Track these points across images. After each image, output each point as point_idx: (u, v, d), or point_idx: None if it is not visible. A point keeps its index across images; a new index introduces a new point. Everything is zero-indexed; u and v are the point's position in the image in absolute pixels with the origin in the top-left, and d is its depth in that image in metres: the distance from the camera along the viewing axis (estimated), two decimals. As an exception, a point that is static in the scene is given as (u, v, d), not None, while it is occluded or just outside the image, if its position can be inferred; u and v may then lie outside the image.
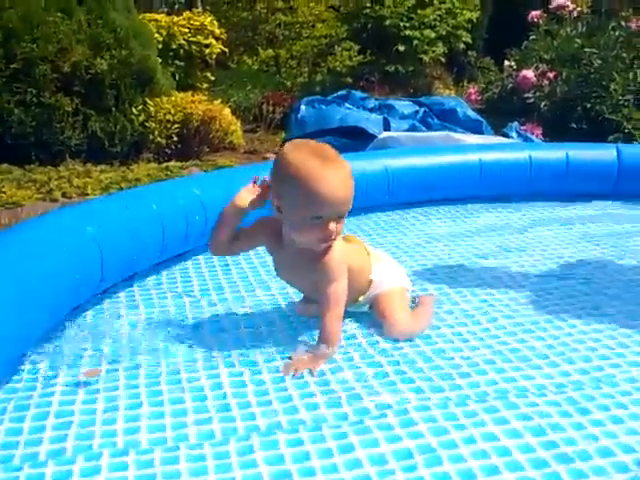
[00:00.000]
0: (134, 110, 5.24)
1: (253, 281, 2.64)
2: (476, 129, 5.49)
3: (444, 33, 9.15)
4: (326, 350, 1.96)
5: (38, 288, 2.00)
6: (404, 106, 5.70)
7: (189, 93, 5.72)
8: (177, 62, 6.84)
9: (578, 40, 6.31)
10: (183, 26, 6.94)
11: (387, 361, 1.97)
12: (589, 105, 5.82)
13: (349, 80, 8.50)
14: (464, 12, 9.36)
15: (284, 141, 5.59)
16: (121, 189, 4.18)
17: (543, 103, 6.07)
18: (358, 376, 1.88)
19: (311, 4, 9.04)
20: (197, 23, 7.01)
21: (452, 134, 5.04)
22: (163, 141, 5.30)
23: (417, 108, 5.65)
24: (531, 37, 6.76)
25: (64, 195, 4.08)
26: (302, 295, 2.29)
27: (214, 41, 7.09)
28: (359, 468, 1.49)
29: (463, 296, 2.50)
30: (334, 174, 1.90)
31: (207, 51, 7.04)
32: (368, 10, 8.91)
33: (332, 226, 1.92)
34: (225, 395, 1.78)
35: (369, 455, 1.52)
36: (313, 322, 2.15)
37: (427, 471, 1.48)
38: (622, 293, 2.55)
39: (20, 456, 1.52)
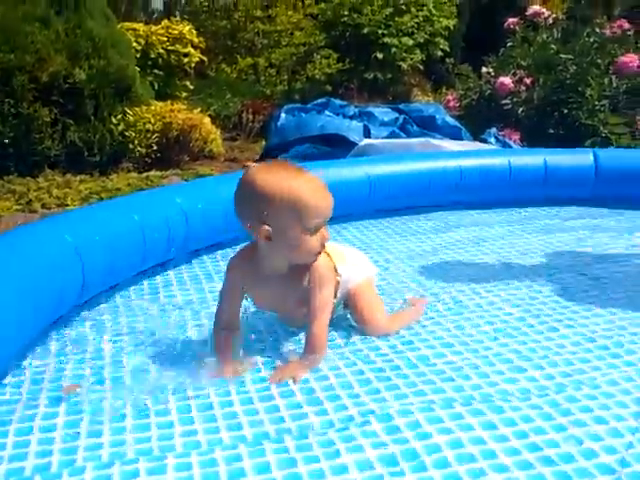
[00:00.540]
0: (113, 120, 5.22)
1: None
2: (455, 135, 5.53)
3: (422, 40, 9.23)
4: (313, 358, 1.96)
5: (18, 300, 1.98)
6: (384, 113, 5.73)
7: (168, 102, 5.70)
8: (156, 71, 6.81)
9: (554, 46, 6.39)
10: (162, 35, 6.91)
11: (369, 368, 1.98)
12: (566, 110, 5.89)
13: (328, 88, 8.53)
14: (441, 20, 9.45)
15: (264, 149, 5.60)
16: (101, 199, 4.15)
17: (521, 109, 6.13)
18: (343, 383, 1.88)
19: (289, 12, 9.06)
20: (175, 32, 7.00)
21: (431, 140, 5.06)
22: (143, 150, 5.28)
23: (397, 115, 5.68)
24: (508, 44, 6.83)
25: (43, 206, 4.04)
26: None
27: (193, 50, 7.08)
28: (345, 474, 1.49)
29: (445, 302, 2.52)
30: (314, 183, 1.94)
31: (186, 60, 7.03)
32: (346, 18, 8.95)
33: (325, 232, 1.97)
34: (211, 405, 1.78)
35: (356, 461, 1.53)
36: (298, 331, 2.16)
37: (414, 476, 1.48)
38: (602, 298, 2.58)
39: (5, 471, 1.51)
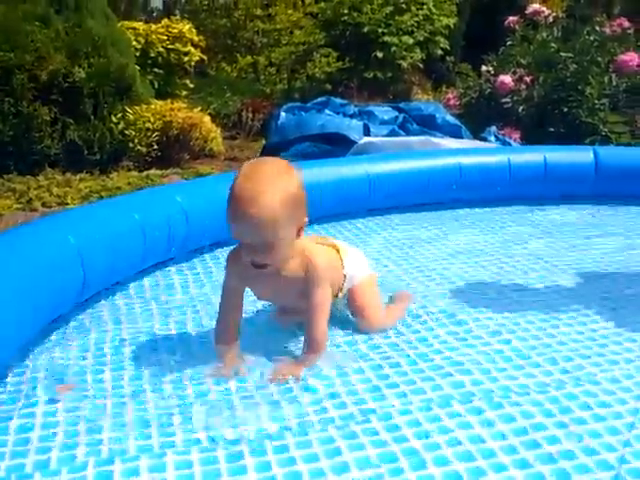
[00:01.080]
0: (113, 118, 5.22)
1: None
2: (455, 134, 5.53)
3: (422, 39, 9.22)
4: (312, 357, 1.95)
5: (19, 298, 1.99)
6: (384, 112, 5.73)
7: (168, 101, 5.70)
8: (156, 70, 6.81)
9: (554, 45, 6.39)
10: (161, 34, 6.91)
11: (369, 365, 1.98)
12: (566, 109, 5.89)
13: (328, 87, 8.52)
14: (441, 18, 9.44)
15: (264, 148, 5.60)
16: (101, 198, 4.15)
17: (521, 107, 6.13)
18: (343, 381, 1.88)
19: (289, 11, 9.05)
20: (175, 31, 7.00)
21: (431, 139, 5.07)
22: (143, 149, 5.28)
23: (397, 114, 5.68)
24: (508, 42, 6.83)
25: (44, 205, 4.04)
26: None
27: (193, 49, 7.08)
28: (346, 472, 1.49)
29: (445, 298, 2.52)
30: (240, 197, 1.81)
31: (186, 59, 7.03)
32: (346, 17, 8.95)
33: (245, 252, 1.88)
34: (212, 402, 1.78)
35: (355, 459, 1.53)
36: (299, 333, 2.15)
37: (414, 474, 1.49)
38: (602, 295, 2.59)
39: (5, 468, 1.51)
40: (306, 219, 1.94)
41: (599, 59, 6.07)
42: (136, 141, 5.24)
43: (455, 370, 1.95)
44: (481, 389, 1.85)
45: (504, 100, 6.20)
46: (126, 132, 5.22)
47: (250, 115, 6.97)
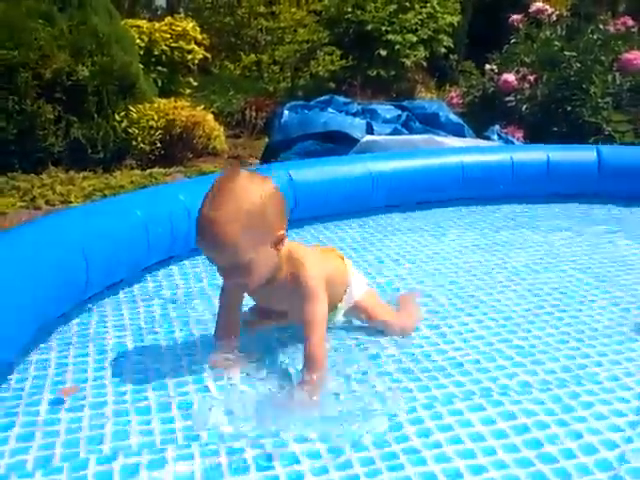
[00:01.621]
0: (117, 117, 5.23)
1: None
2: (458, 132, 5.52)
3: (425, 37, 9.22)
4: (313, 376, 1.81)
5: (23, 296, 2.00)
6: (387, 110, 5.72)
7: (172, 99, 5.71)
8: (159, 68, 6.83)
9: (557, 43, 6.38)
10: (165, 32, 6.93)
11: (374, 363, 1.99)
12: (569, 108, 5.88)
13: (332, 85, 8.53)
14: (445, 16, 9.43)
15: (267, 146, 5.60)
16: (104, 196, 4.17)
17: (524, 106, 6.12)
18: (345, 380, 1.89)
19: (293, 9, 9.06)
20: (179, 29, 7.01)
21: (434, 137, 5.06)
22: (146, 147, 5.29)
23: (400, 112, 5.68)
24: (512, 41, 6.82)
25: (47, 203, 4.06)
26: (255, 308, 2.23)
27: (196, 47, 7.09)
28: (348, 469, 1.50)
29: (448, 297, 2.53)
30: (197, 223, 1.79)
31: (189, 57, 7.04)
32: (350, 15, 8.95)
33: (219, 273, 1.87)
34: (213, 399, 1.79)
35: (357, 457, 1.54)
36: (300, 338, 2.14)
37: (413, 470, 1.49)
38: (603, 294, 2.59)
39: (6, 465, 1.52)
40: (283, 231, 1.86)
41: (603, 58, 6.06)
42: (139, 139, 5.25)
43: (457, 371, 1.95)
44: (481, 387, 1.85)
45: (507, 99, 6.20)
46: (129, 130, 5.24)
47: (253, 113, 6.98)
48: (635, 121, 5.72)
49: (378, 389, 1.84)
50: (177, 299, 2.53)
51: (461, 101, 6.83)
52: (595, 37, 6.31)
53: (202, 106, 5.93)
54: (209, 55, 7.45)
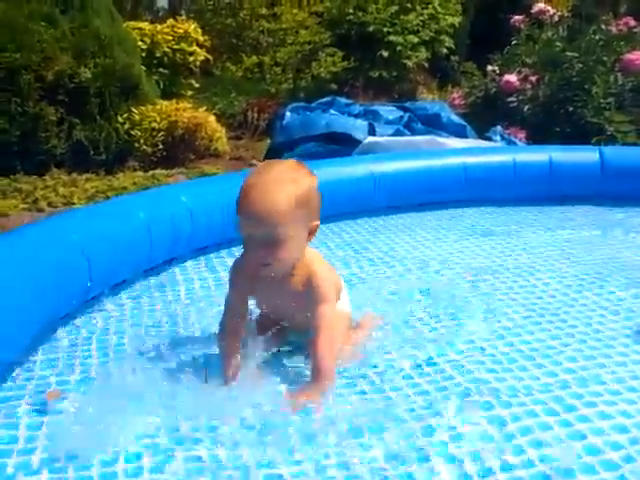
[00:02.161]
0: (119, 118, 5.24)
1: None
2: (460, 133, 5.52)
3: (427, 38, 9.21)
4: (325, 383, 1.80)
5: (25, 296, 2.00)
6: (389, 111, 5.72)
7: (174, 101, 5.72)
8: (161, 70, 6.83)
9: (559, 44, 6.38)
10: (167, 34, 6.93)
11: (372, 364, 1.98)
12: (571, 108, 5.88)
13: (333, 86, 8.53)
14: (446, 17, 9.43)
15: (269, 147, 5.60)
16: (107, 198, 4.17)
17: (526, 107, 6.12)
18: (349, 382, 1.89)
19: (294, 10, 9.06)
20: (181, 31, 7.01)
21: (436, 138, 5.06)
22: (149, 149, 5.29)
23: (402, 113, 5.67)
24: (513, 42, 6.82)
25: (50, 205, 4.06)
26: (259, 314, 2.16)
27: (198, 48, 7.09)
28: (349, 470, 1.50)
29: (449, 298, 2.52)
30: (249, 193, 1.79)
31: (191, 58, 7.04)
32: (351, 16, 8.95)
33: (252, 251, 1.83)
34: (216, 401, 1.78)
35: (361, 456, 1.54)
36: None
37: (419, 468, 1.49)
38: (607, 295, 2.59)
39: (13, 464, 1.52)
40: (318, 223, 1.89)
41: (605, 58, 6.06)
42: (142, 141, 5.25)
43: (458, 372, 1.95)
44: (489, 387, 1.85)
45: (509, 99, 6.19)
46: (132, 132, 5.24)
47: (255, 115, 6.98)
48: (637, 121, 5.71)
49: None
50: (180, 300, 2.53)
51: (463, 102, 6.83)
52: (597, 38, 6.31)
53: (204, 108, 5.93)
54: (211, 57, 7.45)
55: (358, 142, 5.01)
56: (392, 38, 8.78)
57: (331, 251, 3.10)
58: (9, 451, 1.57)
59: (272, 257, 1.82)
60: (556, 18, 6.70)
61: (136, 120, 5.27)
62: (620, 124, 5.64)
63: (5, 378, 1.88)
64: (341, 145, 4.98)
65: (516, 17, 6.83)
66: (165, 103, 5.59)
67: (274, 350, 1.98)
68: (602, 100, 5.76)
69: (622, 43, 6.18)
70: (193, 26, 7.16)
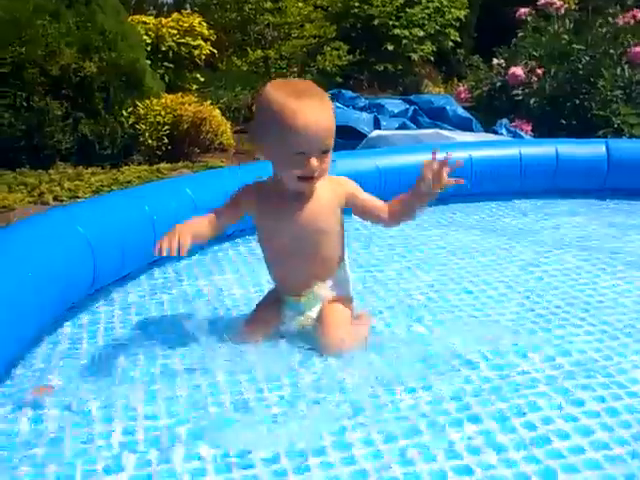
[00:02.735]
0: (124, 112, 5.24)
1: (247, 279, 2.64)
2: (466, 127, 5.51)
3: (433, 32, 9.19)
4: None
5: (30, 290, 2.00)
6: (394, 105, 5.72)
7: (179, 95, 5.71)
8: (166, 64, 6.83)
9: (566, 37, 6.34)
10: (172, 28, 6.93)
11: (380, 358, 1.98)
12: (578, 101, 5.85)
13: (339, 80, 8.52)
14: (452, 10, 9.40)
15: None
16: (112, 191, 4.16)
17: (532, 100, 6.09)
18: (351, 375, 1.89)
19: (299, 4, 9.04)
20: (186, 25, 7.01)
21: (442, 132, 5.05)
22: (153, 143, 5.29)
23: (407, 106, 5.67)
24: (519, 34, 6.79)
25: (55, 198, 4.06)
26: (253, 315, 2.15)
27: (203, 42, 7.09)
28: (354, 465, 1.49)
29: (452, 290, 2.52)
30: (308, 106, 1.87)
31: (196, 52, 7.04)
32: (356, 10, 8.93)
33: (314, 162, 1.90)
34: (221, 392, 1.78)
35: (364, 454, 1.53)
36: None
37: (424, 466, 1.49)
38: (614, 289, 2.57)
39: (18, 458, 1.52)
40: None
41: (612, 51, 6.03)
42: (146, 135, 5.25)
43: (464, 367, 1.94)
44: (492, 385, 1.84)
45: (515, 92, 6.17)
46: (137, 126, 5.24)
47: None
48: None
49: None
50: (184, 293, 2.53)
51: (469, 95, 6.82)
52: (604, 30, 6.27)
53: (209, 102, 5.93)
54: (216, 51, 7.44)
55: (364, 135, 5.00)
56: (397, 31, 8.77)
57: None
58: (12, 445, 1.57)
59: (323, 167, 1.93)
60: (562, 10, 6.66)
61: (141, 114, 5.27)
62: (627, 117, 5.62)
63: (8, 372, 1.88)
64: (347, 139, 4.97)
65: (522, 9, 6.80)
66: (170, 97, 5.59)
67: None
68: (609, 93, 5.74)
69: (629, 36, 6.14)
70: (198, 20, 7.16)
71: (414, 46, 8.95)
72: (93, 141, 5.08)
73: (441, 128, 5.25)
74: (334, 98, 5.75)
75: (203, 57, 7.17)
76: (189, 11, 7.94)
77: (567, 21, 6.62)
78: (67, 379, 1.87)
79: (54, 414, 1.69)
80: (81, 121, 5.06)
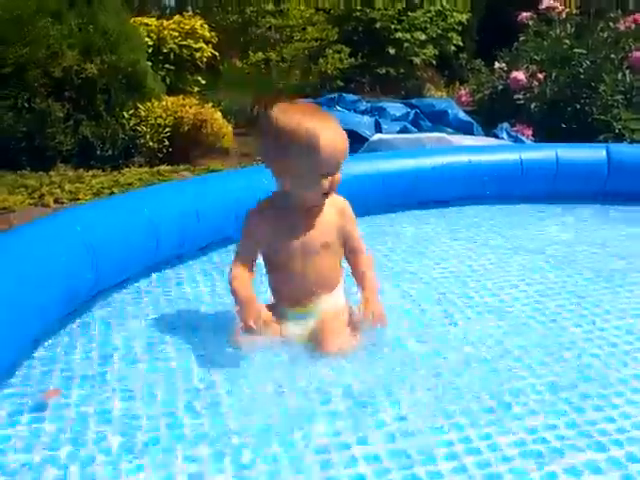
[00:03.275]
0: (125, 114, 5.24)
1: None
2: (467, 130, 5.51)
3: (434, 35, 9.19)
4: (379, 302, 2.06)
5: (29, 294, 2.00)
6: (395, 108, 5.72)
7: (180, 97, 5.71)
8: (168, 66, 6.82)
9: (567, 41, 6.34)
10: (173, 30, 6.93)
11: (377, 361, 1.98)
12: (579, 106, 5.85)
13: (340, 83, 8.51)
14: (454, 14, 9.40)
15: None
16: (112, 194, 4.17)
17: (533, 104, 6.10)
18: (353, 372, 1.89)
19: (301, 7, 9.04)
20: (187, 27, 7.00)
21: (444, 135, 5.05)
22: (154, 145, 5.29)
23: (408, 110, 5.67)
24: (521, 38, 6.79)
25: (56, 200, 4.06)
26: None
27: (204, 45, 7.09)
28: (354, 467, 1.49)
29: (450, 293, 2.52)
30: (330, 129, 1.99)
31: (198, 55, 7.03)
32: (358, 13, 8.93)
33: (338, 178, 2.04)
34: (219, 398, 1.78)
35: (363, 454, 1.53)
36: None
37: (422, 469, 1.49)
38: (614, 294, 2.57)
39: (15, 461, 1.52)
40: None
41: (613, 56, 6.03)
42: (147, 137, 5.25)
43: (465, 371, 1.94)
44: (491, 391, 1.84)
45: (517, 97, 6.17)
46: (138, 128, 5.24)
47: (262, 111, 6.96)
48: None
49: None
50: (185, 297, 2.53)
51: (470, 99, 6.81)
52: (605, 35, 6.27)
53: (210, 104, 5.92)
54: (217, 53, 7.44)
55: (365, 139, 5.00)
56: (399, 35, 8.77)
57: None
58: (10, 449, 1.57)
59: (336, 184, 2.06)
60: (564, 15, 6.66)
61: (142, 116, 5.27)
62: (628, 121, 5.61)
63: (8, 376, 1.88)
64: (348, 142, 4.96)
65: (524, 14, 6.80)
66: (171, 99, 5.59)
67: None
68: (610, 97, 5.74)
69: (630, 40, 6.14)
70: (200, 22, 7.16)
71: (416, 50, 8.95)
72: (94, 143, 5.08)
73: (442, 132, 5.25)
74: (335, 101, 5.75)
75: (204, 59, 7.17)
76: (191, 13, 7.94)
77: (568, 26, 6.61)
78: (66, 382, 1.87)
79: (53, 417, 1.69)
80: (82, 123, 5.06)
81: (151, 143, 5.28)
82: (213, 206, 2.96)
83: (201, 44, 7.01)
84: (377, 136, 5.07)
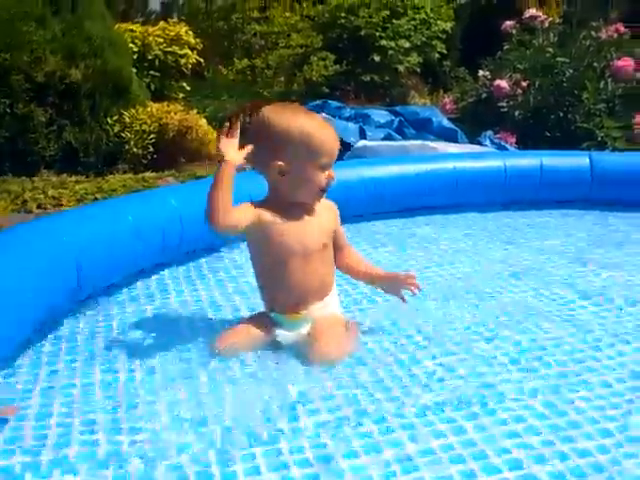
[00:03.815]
0: (109, 120, 5.21)
1: (231, 291, 2.63)
2: (451, 138, 5.54)
3: (419, 43, 9.23)
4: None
5: (12, 299, 1.98)
6: (380, 115, 5.74)
7: (165, 103, 5.69)
8: (152, 72, 6.80)
9: (550, 50, 6.40)
10: (158, 36, 6.91)
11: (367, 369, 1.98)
12: (562, 114, 5.91)
13: (325, 90, 8.53)
14: (438, 22, 9.45)
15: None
16: (96, 200, 4.14)
17: (517, 112, 6.15)
18: (338, 384, 1.88)
19: (287, 14, 9.07)
20: (172, 33, 6.99)
21: (428, 143, 5.08)
22: (139, 151, 5.27)
23: (393, 117, 5.69)
24: (505, 47, 6.84)
25: (39, 206, 4.03)
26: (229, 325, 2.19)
27: (190, 51, 7.07)
28: (340, 478, 1.49)
29: (440, 301, 2.52)
30: (321, 123, 2.09)
31: (183, 61, 7.02)
32: (343, 20, 8.96)
33: (333, 173, 2.10)
34: (202, 403, 1.77)
35: (350, 466, 1.52)
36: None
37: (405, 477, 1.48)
38: (601, 301, 2.59)
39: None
40: None
41: (595, 64, 6.10)
42: (132, 143, 5.23)
43: (451, 375, 1.94)
44: (476, 393, 1.84)
45: (500, 105, 6.22)
46: (122, 134, 5.22)
47: (247, 118, 6.96)
48: (627, 127, 5.75)
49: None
50: (169, 304, 2.52)
51: (454, 107, 6.85)
52: (587, 44, 6.34)
53: (195, 110, 5.92)
54: (202, 60, 7.44)
55: (349, 145, 5.01)
56: (384, 43, 8.80)
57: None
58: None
59: (331, 181, 2.10)
60: (547, 24, 6.73)
61: (126, 122, 5.25)
62: (610, 130, 5.68)
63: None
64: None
65: (507, 22, 6.85)
66: (156, 105, 5.57)
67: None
68: (592, 106, 5.80)
69: (612, 49, 6.21)
70: (185, 29, 7.14)
71: (400, 57, 8.98)
72: (78, 149, 5.05)
73: (426, 139, 5.28)
74: (320, 108, 5.76)
75: (189, 66, 7.15)
76: (176, 20, 7.93)
77: (551, 34, 6.68)
78: (45, 392, 1.85)
79: (32, 426, 1.67)
80: (65, 128, 5.03)
81: (135, 149, 5.25)
82: (198, 212, 2.94)
83: (186, 50, 7.00)
84: (362, 143, 5.08)
